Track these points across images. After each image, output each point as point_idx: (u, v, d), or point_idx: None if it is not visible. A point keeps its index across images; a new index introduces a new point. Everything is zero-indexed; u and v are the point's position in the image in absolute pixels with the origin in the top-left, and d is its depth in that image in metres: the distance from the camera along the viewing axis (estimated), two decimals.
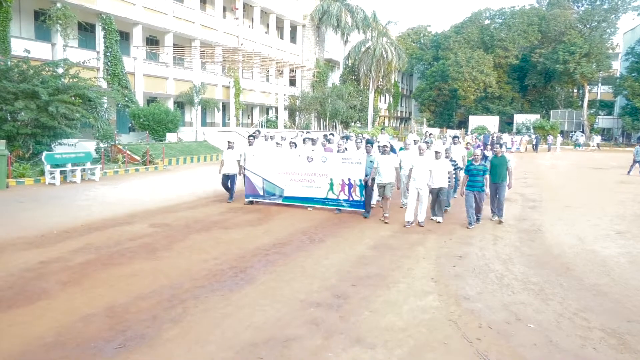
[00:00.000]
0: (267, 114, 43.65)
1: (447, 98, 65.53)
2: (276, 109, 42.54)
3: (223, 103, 36.55)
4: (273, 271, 7.22)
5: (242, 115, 39.03)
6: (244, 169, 12.56)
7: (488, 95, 60.72)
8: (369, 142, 12.07)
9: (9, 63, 16.75)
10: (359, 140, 13.08)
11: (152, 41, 31.93)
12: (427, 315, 5.73)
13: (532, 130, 50.65)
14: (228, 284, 6.60)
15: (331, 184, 11.77)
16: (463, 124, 62.21)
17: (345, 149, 12.72)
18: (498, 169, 11.09)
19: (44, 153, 15.41)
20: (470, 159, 11.09)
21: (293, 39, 46.63)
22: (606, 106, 63.87)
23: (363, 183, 11.39)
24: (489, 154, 16.35)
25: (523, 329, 5.44)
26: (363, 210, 11.59)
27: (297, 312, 5.71)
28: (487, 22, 66.56)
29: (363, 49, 49.25)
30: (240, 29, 37.42)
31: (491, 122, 54.67)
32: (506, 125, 58.63)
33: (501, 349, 4.93)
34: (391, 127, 56.10)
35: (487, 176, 10.72)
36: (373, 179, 11.28)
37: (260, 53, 37.27)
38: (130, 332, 5.08)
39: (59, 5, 22.66)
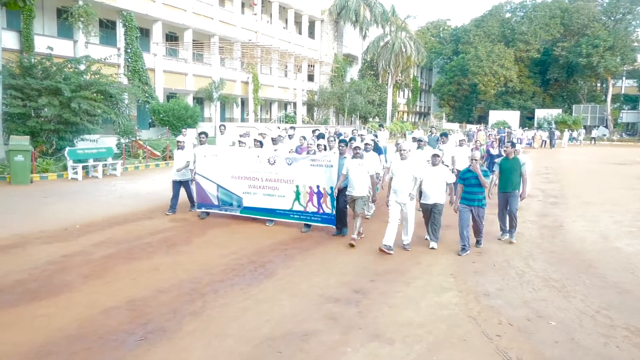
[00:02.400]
0: (286, 109, 43.71)
1: (466, 93, 64.86)
2: (294, 104, 42.58)
3: (242, 99, 36.69)
4: (291, 266, 7.24)
5: (261, 110, 39.14)
6: (194, 172, 10.35)
7: (509, 90, 59.96)
8: (343, 141, 9.84)
9: (33, 60, 17.03)
10: (331, 139, 10.71)
11: (172, 37, 32.18)
12: (446, 312, 5.69)
13: (553, 125, 49.83)
14: (247, 279, 6.64)
15: (297, 193, 9.38)
16: (483, 119, 61.55)
17: (325, 147, 9.93)
18: (509, 175, 8.82)
19: (67, 149, 15.65)
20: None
21: (311, 34, 46.55)
22: (631, 100, 62.49)
23: (335, 192, 8.96)
24: (495, 151, 14.91)
25: (544, 326, 5.37)
26: (334, 226, 9.21)
27: (315, 306, 5.72)
28: (508, 15, 65.68)
29: (382, 43, 48.96)
30: (259, 25, 37.47)
31: (512, 117, 53.99)
32: (527, 120, 57.83)
33: (522, 346, 4.88)
34: (410, 122, 55.76)
35: (493, 176, 8.95)
36: (341, 191, 8.88)
37: (279, 48, 37.34)
38: (151, 325, 5.15)
39: (80, 2, 22.95)
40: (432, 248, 8.29)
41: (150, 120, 27.98)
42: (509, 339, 5.02)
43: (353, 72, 52.07)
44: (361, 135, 13.85)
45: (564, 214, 11.88)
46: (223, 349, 4.67)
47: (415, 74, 67.15)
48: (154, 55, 28.86)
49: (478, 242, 8.51)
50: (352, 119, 45.77)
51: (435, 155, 8.42)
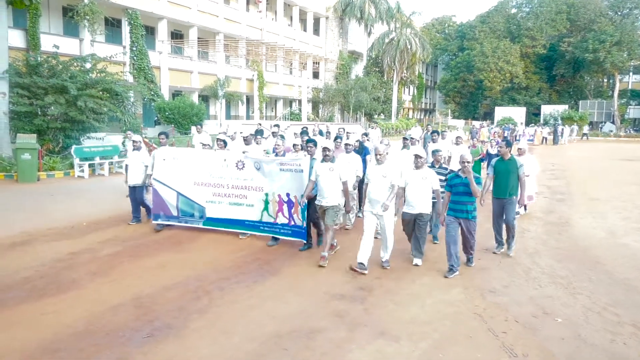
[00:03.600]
0: (291, 106, 43.70)
1: (472, 89, 64.59)
2: (300, 101, 42.56)
3: (247, 96, 36.71)
4: (297, 264, 7.25)
5: (266, 108, 39.16)
6: (152, 178, 9.03)
7: (514, 86, 59.67)
8: (310, 140, 8.53)
9: (39, 59, 17.11)
10: (303, 136, 9.60)
11: (177, 35, 32.22)
12: (452, 309, 5.69)
13: (559, 121, 49.52)
14: (252, 276, 6.66)
15: (266, 202, 8.24)
16: (489, 115, 61.25)
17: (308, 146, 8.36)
18: (504, 178, 7.69)
19: (73, 147, 15.73)
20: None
21: (316, 31, 46.48)
22: (638, 96, 61.89)
23: (303, 201, 7.77)
24: (494, 150, 13.31)
25: (550, 323, 5.36)
26: (304, 241, 7.99)
27: (320, 304, 5.74)
28: (513, 11, 65.28)
29: (387, 40, 48.82)
30: (264, 22, 37.45)
31: (518, 114, 53.68)
32: (533, 116, 57.52)
33: (528, 343, 4.87)
34: (415, 119, 55.62)
35: (487, 180, 8.05)
36: (309, 201, 7.71)
37: (284, 46, 37.33)
38: (157, 322, 5.17)
39: (86, 1, 23.01)
40: (416, 265, 7.20)
41: (156, 118, 28.07)
42: (515, 336, 5.02)
43: (358, 69, 51.98)
44: (365, 134, 12.85)
45: (570, 211, 11.83)
46: (229, 346, 4.69)
47: (421, 71, 66.95)
48: (159, 53, 28.91)
49: (469, 261, 7.27)
50: (358, 116, 45.75)
51: (417, 156, 7.15)
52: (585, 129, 47.44)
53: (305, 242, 7.97)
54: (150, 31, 29.36)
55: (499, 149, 8.12)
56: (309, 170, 7.62)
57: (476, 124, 45.33)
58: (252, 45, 34.19)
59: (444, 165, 8.37)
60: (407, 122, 46.44)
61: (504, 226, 7.97)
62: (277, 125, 14.68)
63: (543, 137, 39.02)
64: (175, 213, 8.95)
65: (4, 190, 12.65)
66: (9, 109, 15.62)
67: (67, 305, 5.55)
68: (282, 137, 11.40)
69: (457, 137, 12.45)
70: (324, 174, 7.20)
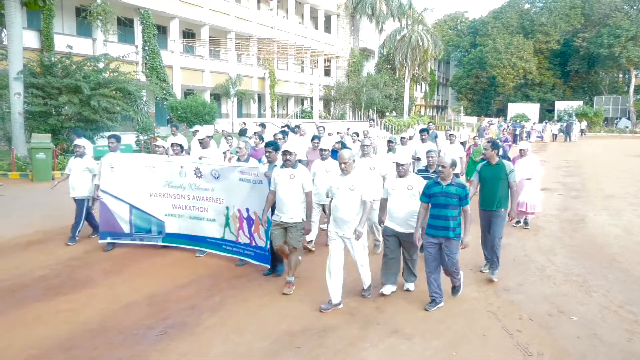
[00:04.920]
0: (302, 104, 43.72)
1: (485, 86, 64.10)
2: (311, 99, 42.55)
3: (258, 94, 36.79)
4: (310, 261, 7.24)
5: (278, 106, 39.21)
6: (98, 189, 7.81)
7: (528, 82, 59.12)
8: (271, 144, 6.74)
9: (53, 59, 17.30)
10: (279, 137, 8.27)
11: (189, 34, 32.36)
12: (465, 307, 5.64)
13: (574, 117, 48.97)
14: (264, 276, 6.66)
15: (227, 217, 7.12)
16: (502, 112, 60.78)
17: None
18: (491, 186, 6.49)
19: None
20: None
21: (327, 28, 46.40)
22: None
23: (263, 217, 6.55)
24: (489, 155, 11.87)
25: (566, 321, 5.29)
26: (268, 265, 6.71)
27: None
28: (527, 6, 64.68)
29: (398, 37, 48.60)
30: (275, 20, 37.48)
31: (531, 110, 53.23)
32: (547, 112, 56.95)
33: (543, 342, 4.82)
34: (427, 116, 55.35)
35: (470, 188, 5.95)
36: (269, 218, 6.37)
37: (295, 44, 37.33)
38: (170, 320, 5.20)
39: (99, 1, 23.21)
40: (408, 290, 6.06)
41: (168, 117, 28.21)
42: (530, 335, 4.97)
43: (370, 67, 51.82)
44: (355, 133, 11.75)
45: (585, 208, 11.68)
46: (242, 344, 4.70)
47: (433, 68, 66.55)
48: (171, 52, 29.07)
49: (455, 289, 5.89)
50: (369, 114, 45.62)
51: (399, 165, 5.84)
52: (583, 124, 44.57)
53: (270, 266, 6.67)
54: (162, 30, 29.53)
55: (484, 151, 6.78)
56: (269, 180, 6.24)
57: (484, 120, 44.67)
58: (264, 44, 34.24)
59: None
60: (419, 119, 46.23)
61: None
62: (263, 125, 13.83)
63: (553, 134, 38.02)
64: (127, 229, 7.70)
65: (19, 190, 12.80)
66: (24, 109, 15.81)
67: (81, 304, 5.61)
68: (261, 137, 10.15)
69: (450, 135, 11.26)
70: (284, 183, 5.83)
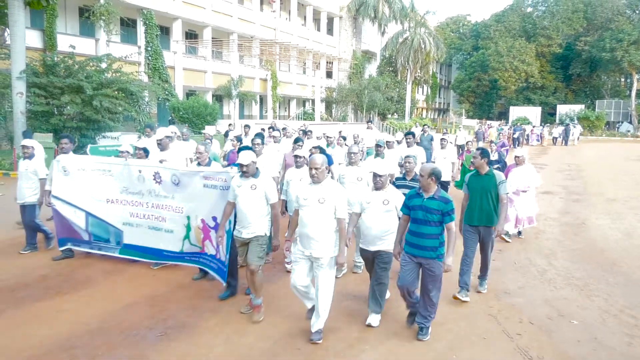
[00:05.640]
0: (304, 106, 43.74)
1: (487, 89, 64.03)
2: (313, 101, 42.58)
3: (260, 96, 36.80)
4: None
5: (279, 107, 39.23)
6: (50, 195, 7.20)
7: (530, 86, 59.08)
8: (245, 148, 6.17)
9: (56, 59, 17.33)
10: (256, 141, 7.40)
11: (191, 35, 32.40)
12: (466, 310, 5.65)
13: (575, 121, 48.93)
14: (267, 275, 6.65)
15: (188, 228, 6.43)
16: (503, 115, 60.74)
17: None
18: (478, 199, 5.84)
19: (89, 146, 15.82)
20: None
21: (330, 30, 46.44)
22: None
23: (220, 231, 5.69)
24: (494, 156, 10.67)
25: (566, 325, 5.29)
26: (222, 280, 5.97)
27: (333, 304, 5.70)
28: (529, 9, 64.65)
29: (400, 39, 48.60)
30: (277, 22, 37.53)
31: (533, 113, 53.12)
32: (549, 116, 56.92)
33: (543, 345, 4.82)
34: (429, 119, 55.36)
35: (462, 201, 5.99)
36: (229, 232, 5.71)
37: (297, 45, 37.37)
38: (171, 320, 5.21)
39: (102, 1, 23.24)
40: (369, 325, 5.15)
41: (170, 117, 28.23)
42: (530, 338, 4.97)
43: (372, 69, 51.83)
44: (343, 137, 10.82)
45: (586, 211, 11.68)
46: (243, 345, 4.71)
47: (435, 70, 66.54)
48: (173, 53, 29.11)
49: (422, 332, 4.91)
50: (371, 116, 45.63)
51: (376, 176, 5.14)
52: (577, 130, 41.73)
53: (227, 284, 5.95)
54: (165, 31, 29.56)
55: (472, 159, 6.06)
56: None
57: (481, 123, 44.13)
58: (266, 45, 34.27)
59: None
60: (416, 122, 46.24)
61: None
62: (247, 126, 12.93)
63: (553, 138, 37.57)
64: (86, 237, 7.15)
65: None
66: (26, 109, 15.84)
67: (82, 303, 5.61)
68: (240, 139, 9.38)
69: (441, 139, 10.85)
70: (244, 194, 5.15)
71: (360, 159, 7.06)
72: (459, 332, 5.09)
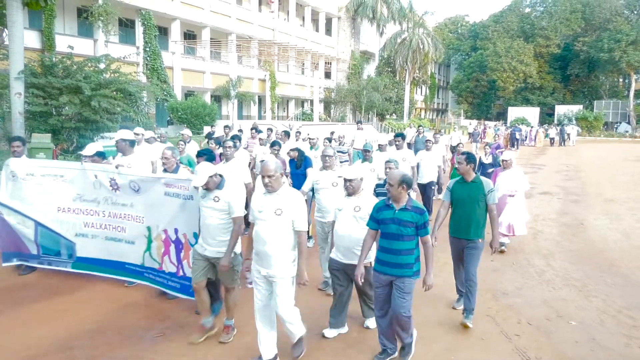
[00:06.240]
0: (303, 107, 43.76)
1: (485, 89, 64.15)
2: (311, 101, 42.59)
3: (259, 96, 36.81)
4: (309, 264, 7.23)
5: (278, 108, 39.23)
6: None
7: (528, 86, 59.18)
8: (203, 154, 6.12)
9: (54, 59, 17.30)
10: (229, 144, 7.08)
11: (190, 36, 32.39)
12: None
13: (573, 122, 49.00)
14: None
15: (149, 240, 5.82)
16: (502, 116, 60.83)
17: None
18: (464, 209, 5.31)
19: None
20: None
21: (328, 31, 46.46)
22: None
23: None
24: (488, 159, 10.45)
25: (564, 326, 5.30)
26: (183, 295, 5.56)
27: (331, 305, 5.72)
28: (527, 10, 64.80)
29: (399, 40, 48.67)
30: (276, 22, 37.53)
31: (531, 114, 53.24)
32: (547, 116, 57.01)
33: (541, 346, 4.82)
34: (428, 119, 55.39)
35: (440, 209, 5.46)
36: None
37: (296, 46, 37.36)
38: (168, 321, 5.20)
39: (100, 2, 23.22)
40: (367, 327, 5.16)
41: (169, 118, 28.26)
42: (528, 339, 4.97)
43: (370, 69, 51.88)
44: (328, 139, 10.39)
45: (585, 212, 11.69)
46: (241, 346, 4.71)
47: (433, 71, 66.64)
48: (172, 53, 29.10)
49: (404, 351, 4.51)
50: (370, 116, 45.66)
51: (346, 181, 4.82)
52: (574, 130, 40.90)
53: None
54: (164, 32, 29.56)
55: (457, 164, 5.47)
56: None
57: (474, 123, 43.58)
58: (265, 46, 34.27)
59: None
60: (411, 123, 46.29)
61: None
62: (228, 127, 12.38)
63: (550, 138, 37.18)
64: (34, 250, 6.46)
65: None
66: (24, 109, 15.81)
67: (80, 304, 5.61)
68: (218, 142, 8.48)
69: (426, 140, 10.42)
70: (207, 207, 4.67)
71: (345, 162, 6.72)
72: (457, 333, 5.09)
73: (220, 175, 4.69)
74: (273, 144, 8.08)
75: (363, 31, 50.01)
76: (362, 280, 4.46)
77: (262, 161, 4.92)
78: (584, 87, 62.16)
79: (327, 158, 6.19)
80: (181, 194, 5.39)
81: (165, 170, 5.83)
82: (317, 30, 44.60)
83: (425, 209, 4.29)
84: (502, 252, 7.90)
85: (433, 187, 10.27)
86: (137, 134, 8.86)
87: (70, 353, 4.51)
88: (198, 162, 4.99)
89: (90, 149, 6.59)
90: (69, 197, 6.21)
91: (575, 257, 7.90)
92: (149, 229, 5.78)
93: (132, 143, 6.49)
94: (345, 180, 4.82)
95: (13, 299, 5.70)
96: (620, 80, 61.43)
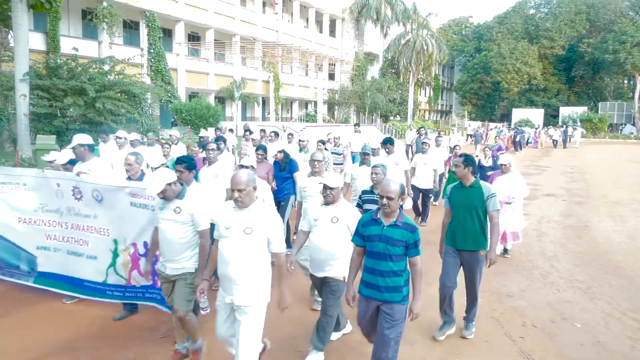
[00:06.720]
0: (307, 108, 43.78)
1: (489, 91, 64.05)
2: (315, 103, 42.61)
3: (263, 98, 36.85)
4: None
5: (282, 109, 39.28)
6: None
7: (532, 88, 59.05)
8: (183, 161, 4.79)
9: (59, 61, 17.39)
10: (211, 147, 6.53)
11: (194, 37, 32.47)
12: None
13: (578, 123, 48.85)
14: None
15: (115, 254, 5.34)
16: (506, 117, 60.72)
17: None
18: (462, 217, 4.88)
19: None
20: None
21: (332, 32, 46.49)
22: None
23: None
24: (489, 162, 10.36)
25: (569, 328, 5.28)
26: (167, 310, 4.85)
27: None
28: (532, 11, 64.70)
29: (403, 41, 48.62)
30: (280, 24, 37.59)
31: (536, 115, 53.12)
32: (551, 118, 56.86)
33: (546, 349, 4.80)
34: (431, 121, 55.32)
35: (444, 218, 5.11)
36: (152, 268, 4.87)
37: (300, 47, 37.37)
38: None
39: (105, 4, 23.32)
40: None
41: (173, 119, 28.31)
42: (533, 341, 4.95)
43: (374, 71, 51.87)
44: (321, 141, 9.70)
45: (589, 214, 11.65)
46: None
47: (437, 72, 66.49)
48: (176, 55, 29.17)
49: None
50: (373, 118, 45.65)
51: (326, 188, 4.36)
52: (578, 133, 39.58)
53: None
54: (168, 33, 29.63)
55: (454, 167, 5.10)
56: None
57: (475, 124, 43.19)
58: (268, 47, 34.33)
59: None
60: (422, 123, 46.22)
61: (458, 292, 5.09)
62: (219, 129, 11.86)
63: (553, 140, 37.09)
64: None
65: None
66: (29, 111, 15.89)
67: (84, 305, 5.61)
68: (202, 145, 7.79)
69: (423, 143, 9.95)
70: (166, 219, 4.16)
71: (339, 164, 6.17)
72: (461, 335, 5.07)
73: (182, 183, 4.22)
74: (258, 148, 7.59)
75: (367, 32, 50.01)
76: (354, 304, 3.98)
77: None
78: (589, 89, 61.98)
79: (316, 163, 5.74)
80: (149, 205, 4.93)
81: (129, 178, 5.30)
82: (320, 31, 44.65)
83: (416, 227, 3.80)
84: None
85: (431, 195, 9.89)
86: (120, 138, 8.68)
87: (74, 354, 4.52)
88: (177, 172, 4.50)
89: (63, 156, 6.03)
90: (31, 206, 5.75)
91: (579, 259, 7.87)
92: (115, 242, 5.32)
93: (90, 148, 5.94)
94: (326, 187, 4.35)
95: (18, 300, 5.71)
96: (625, 81, 61.24)
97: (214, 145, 6.55)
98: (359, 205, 5.56)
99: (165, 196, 4.07)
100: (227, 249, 3.65)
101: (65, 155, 6.03)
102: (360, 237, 3.90)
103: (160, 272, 4.34)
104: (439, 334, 4.93)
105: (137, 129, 20.08)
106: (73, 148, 5.81)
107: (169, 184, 4.02)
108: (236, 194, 3.61)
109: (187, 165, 4.64)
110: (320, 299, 5.15)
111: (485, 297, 6.10)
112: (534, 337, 5.05)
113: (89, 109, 16.17)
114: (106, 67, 17.92)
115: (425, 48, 47.09)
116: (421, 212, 9.79)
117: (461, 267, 5.01)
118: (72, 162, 5.90)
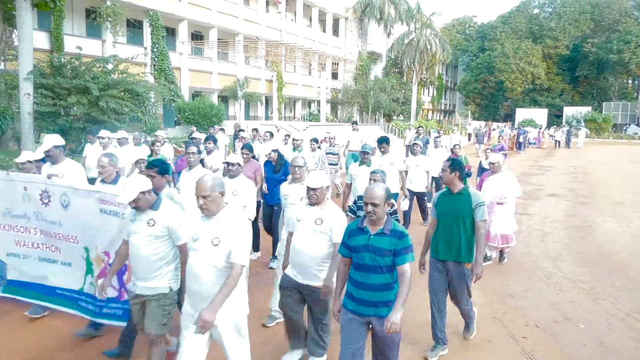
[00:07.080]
0: (310, 107, 43.78)
1: (493, 90, 63.90)
2: (318, 102, 42.60)
3: (266, 97, 36.87)
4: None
5: (285, 108, 39.28)
6: None
7: (536, 87, 58.91)
8: (154, 165, 4.52)
9: (63, 60, 17.43)
10: (192, 150, 6.17)
11: (197, 36, 32.51)
12: None
13: (582, 123, 48.71)
14: (267, 278, 6.65)
15: (88, 262, 4.93)
16: (509, 117, 60.59)
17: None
18: (449, 225, 4.56)
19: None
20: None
21: (335, 32, 46.48)
22: None
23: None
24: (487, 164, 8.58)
25: (572, 328, 5.26)
26: (124, 323, 4.56)
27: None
28: (536, 11, 64.56)
29: (406, 41, 48.58)
30: (283, 23, 37.59)
31: (539, 115, 52.99)
32: (555, 118, 56.71)
33: (548, 349, 4.79)
34: (435, 120, 55.24)
35: (428, 228, 4.83)
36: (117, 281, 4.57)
37: (303, 47, 37.38)
38: (173, 322, 5.19)
39: (108, 3, 23.35)
40: None
41: (176, 118, 28.36)
42: (535, 341, 4.94)
43: (377, 70, 51.82)
44: (314, 140, 9.62)
45: (593, 214, 11.61)
46: None
47: (441, 72, 66.41)
48: (179, 54, 29.21)
49: None
50: (377, 117, 45.63)
51: (309, 189, 4.09)
52: (582, 134, 39.84)
53: (119, 343, 4.51)
54: (171, 32, 29.68)
55: (441, 172, 4.80)
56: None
57: (476, 124, 43.06)
58: (272, 46, 34.34)
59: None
60: (425, 123, 46.18)
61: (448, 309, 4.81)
62: (212, 127, 11.54)
63: (556, 140, 36.87)
64: None
65: None
66: (33, 109, 15.93)
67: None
68: (187, 144, 6.72)
69: (414, 144, 9.60)
70: (138, 232, 3.74)
71: (334, 165, 5.83)
72: (462, 335, 5.05)
73: (157, 193, 3.85)
74: (243, 147, 7.08)
75: (370, 32, 49.98)
76: (339, 318, 3.69)
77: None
78: (593, 89, 61.81)
79: (296, 169, 5.13)
80: (119, 212, 4.49)
81: (102, 182, 4.92)
82: (324, 30, 44.64)
83: (406, 233, 3.50)
84: (488, 260, 7.37)
85: (425, 198, 9.57)
86: (103, 138, 8.42)
87: (73, 354, 4.52)
88: (148, 175, 4.15)
89: (35, 156, 5.63)
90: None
91: (583, 260, 7.84)
92: (86, 249, 4.89)
93: (63, 148, 5.67)
94: (309, 188, 4.07)
95: (17, 300, 5.70)
96: (630, 81, 61.08)
97: (194, 149, 6.17)
98: (352, 211, 5.29)
99: (138, 206, 3.64)
100: (194, 263, 3.32)
101: (38, 155, 5.66)
102: (347, 247, 3.61)
103: (131, 291, 3.89)
104: (431, 355, 4.64)
105: (140, 128, 20.14)
106: (47, 151, 5.46)
107: (143, 193, 3.62)
108: (201, 201, 3.26)
109: (159, 169, 4.29)
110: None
111: (488, 297, 6.09)
112: (537, 337, 5.04)
113: (93, 108, 16.20)
114: (110, 66, 17.95)
115: (429, 47, 47.03)
116: (420, 213, 9.73)
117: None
118: (42, 161, 5.62)
